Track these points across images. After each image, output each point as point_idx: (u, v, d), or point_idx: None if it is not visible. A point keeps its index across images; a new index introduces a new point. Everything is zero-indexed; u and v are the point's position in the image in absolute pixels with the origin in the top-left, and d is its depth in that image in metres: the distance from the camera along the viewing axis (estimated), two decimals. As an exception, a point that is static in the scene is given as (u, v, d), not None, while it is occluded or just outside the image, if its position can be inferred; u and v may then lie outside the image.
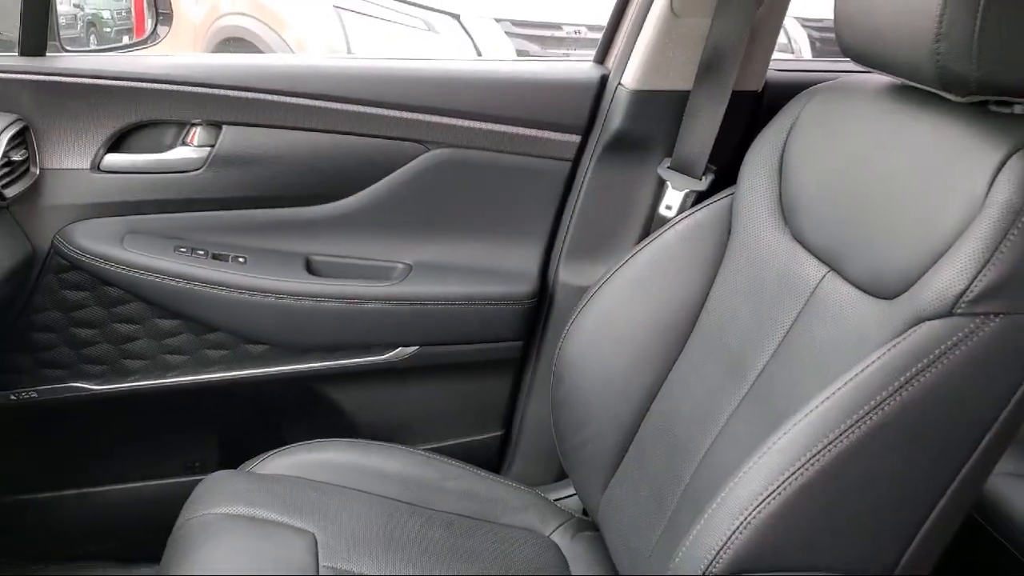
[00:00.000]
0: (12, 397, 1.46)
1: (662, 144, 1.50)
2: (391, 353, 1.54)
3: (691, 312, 1.29)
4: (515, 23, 3.90)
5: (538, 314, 1.59)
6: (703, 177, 1.46)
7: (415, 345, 1.54)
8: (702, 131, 1.44)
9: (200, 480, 1.28)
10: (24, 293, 1.41)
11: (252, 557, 1.14)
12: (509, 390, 1.64)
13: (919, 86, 1.03)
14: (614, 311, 1.34)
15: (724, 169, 1.42)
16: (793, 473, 0.88)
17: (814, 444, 0.89)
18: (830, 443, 0.88)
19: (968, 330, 0.89)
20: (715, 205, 1.31)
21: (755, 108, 1.48)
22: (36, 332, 1.45)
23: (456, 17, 4.14)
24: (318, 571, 1.14)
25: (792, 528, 0.89)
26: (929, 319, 0.91)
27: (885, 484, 0.91)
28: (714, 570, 0.89)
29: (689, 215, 1.34)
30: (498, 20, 3.94)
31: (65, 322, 1.45)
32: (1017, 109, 0.99)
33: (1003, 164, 0.92)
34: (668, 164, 1.49)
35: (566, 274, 1.57)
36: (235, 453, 1.38)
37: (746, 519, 0.89)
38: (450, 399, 1.62)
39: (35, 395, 1.47)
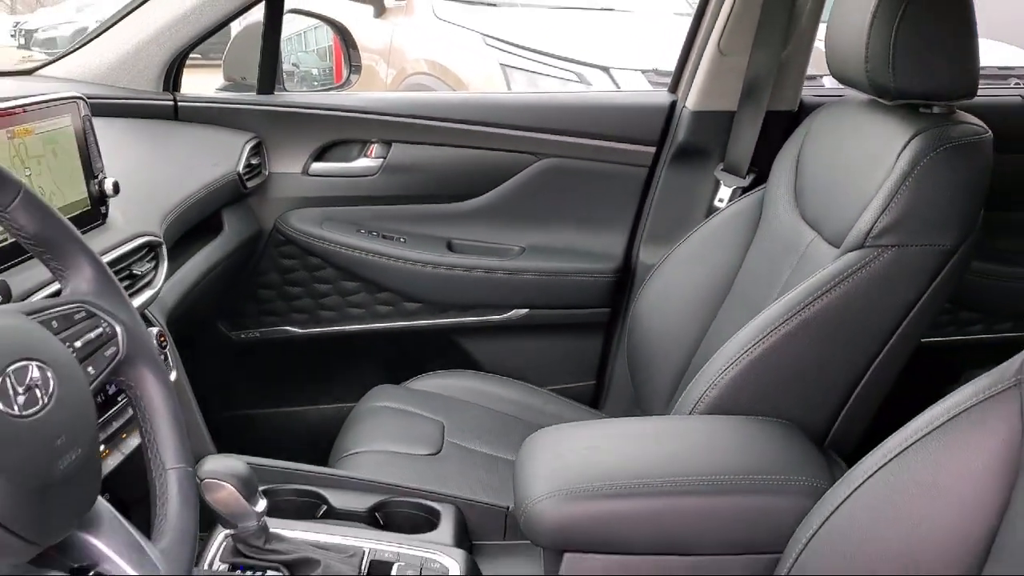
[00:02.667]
0: (242, 336, 2.04)
1: (716, 152, 1.93)
2: (508, 313, 2.02)
3: (729, 277, 1.68)
4: (658, 73, 4.25)
5: (623, 286, 2.03)
6: (747, 176, 1.87)
7: (526, 308, 2.02)
8: (745, 141, 1.86)
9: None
10: (254, 260, 1.98)
11: (397, 430, 1.64)
12: (601, 347, 2.08)
13: (871, 97, 1.43)
14: (672, 279, 1.76)
15: (767, 170, 1.82)
16: (742, 353, 1.29)
17: (756, 335, 1.29)
18: (767, 334, 1.28)
19: (871, 257, 1.27)
20: (752, 196, 1.71)
21: (792, 123, 1.87)
22: (260, 288, 2.02)
23: (606, 70, 4.59)
24: (443, 443, 1.63)
25: (743, 388, 1.29)
26: (848, 251, 1.30)
27: (810, 363, 1.29)
28: (695, 412, 1.31)
29: (732, 204, 1.75)
30: (643, 71, 4.29)
31: (280, 282, 2.02)
32: (935, 109, 1.37)
33: (907, 144, 1.30)
34: (721, 167, 1.92)
35: (645, 254, 1.99)
36: (395, 382, 1.89)
37: (713, 382, 1.30)
38: (553, 351, 2.07)
39: (258, 335, 2.04)
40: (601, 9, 5.33)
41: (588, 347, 2.08)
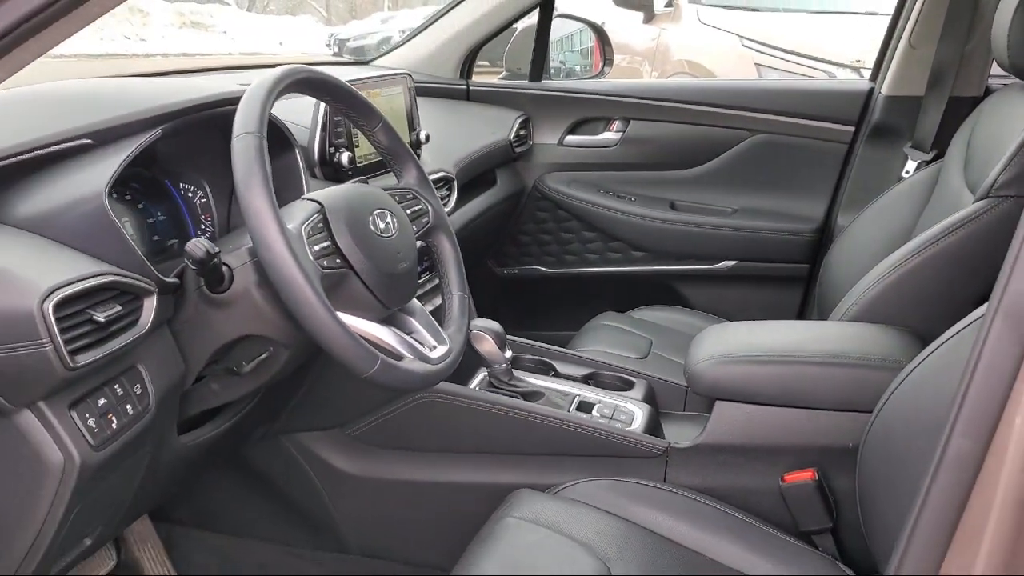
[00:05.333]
0: (504, 272, 2.60)
1: (906, 131, 2.22)
2: (718, 264, 2.43)
3: (905, 234, 1.98)
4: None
5: (821, 246, 2.37)
6: (930, 152, 2.15)
7: (735, 260, 2.41)
8: (930, 121, 2.15)
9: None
10: (517, 211, 2.54)
11: (614, 338, 2.11)
12: (800, 298, 2.43)
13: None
14: (858, 237, 2.09)
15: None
16: (881, 277, 1.63)
17: (894, 263, 1.62)
18: (902, 263, 1.60)
19: (992, 205, 1.56)
20: (931, 168, 2.01)
21: (975, 106, 2.13)
22: (520, 235, 2.56)
23: (856, 69, 4.78)
24: (649, 353, 2.07)
25: (880, 304, 1.62)
26: (976, 200, 1.60)
27: (935, 289, 1.60)
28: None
29: (912, 175, 2.06)
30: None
31: (535, 230, 2.56)
32: None
33: None
34: (910, 144, 2.21)
35: (843, 219, 2.32)
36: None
37: (856, 299, 1.65)
38: (756, 299, 2.44)
39: (516, 272, 2.59)
40: (865, 13, 5.48)
41: (788, 298, 2.44)
